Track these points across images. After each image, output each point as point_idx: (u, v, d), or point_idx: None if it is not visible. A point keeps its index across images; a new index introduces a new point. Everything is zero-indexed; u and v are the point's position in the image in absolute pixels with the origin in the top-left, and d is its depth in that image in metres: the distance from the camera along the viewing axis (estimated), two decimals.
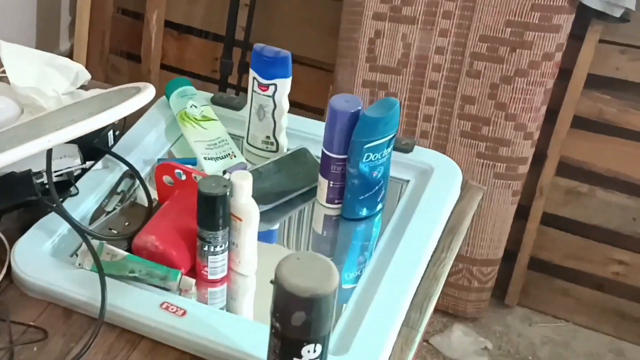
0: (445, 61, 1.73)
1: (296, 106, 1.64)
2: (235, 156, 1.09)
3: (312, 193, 1.07)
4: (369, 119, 0.96)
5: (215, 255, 0.91)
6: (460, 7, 1.68)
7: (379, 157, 0.99)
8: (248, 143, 1.13)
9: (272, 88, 1.06)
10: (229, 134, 1.14)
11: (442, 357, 1.82)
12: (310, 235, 1.08)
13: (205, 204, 0.88)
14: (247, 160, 1.12)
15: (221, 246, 0.91)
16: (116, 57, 2.26)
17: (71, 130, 0.89)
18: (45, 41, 2.22)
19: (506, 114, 1.71)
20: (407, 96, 1.76)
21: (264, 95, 1.07)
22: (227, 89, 2.03)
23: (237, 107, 1.17)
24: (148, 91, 0.97)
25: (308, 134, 1.14)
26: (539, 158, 1.82)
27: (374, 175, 1.00)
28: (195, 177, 0.96)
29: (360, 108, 0.98)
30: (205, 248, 0.91)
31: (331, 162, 1.01)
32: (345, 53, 1.76)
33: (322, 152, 1.02)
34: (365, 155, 0.98)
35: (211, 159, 1.08)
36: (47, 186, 0.95)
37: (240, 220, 0.91)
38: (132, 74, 2.23)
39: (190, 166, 0.98)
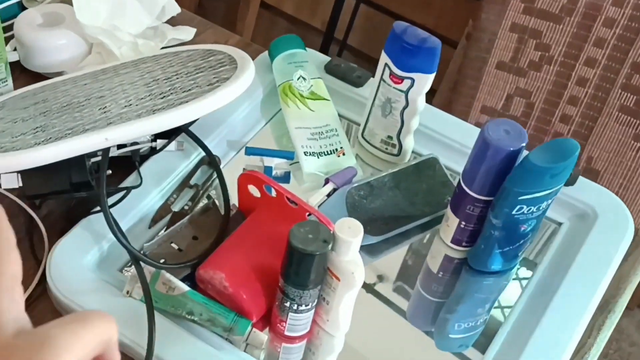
0: (622, 16, 1.39)
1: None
2: (344, 153, 0.85)
3: (434, 222, 0.83)
4: (533, 167, 0.70)
5: (298, 313, 0.70)
6: None
7: (534, 211, 0.74)
8: (363, 137, 0.88)
9: (407, 82, 0.80)
10: (341, 116, 0.90)
11: None
12: (422, 270, 0.84)
13: (295, 259, 0.65)
14: (357, 156, 0.88)
15: (307, 305, 0.69)
16: None
17: (133, 128, 0.66)
18: None
19: None
20: (563, 50, 1.45)
21: (395, 88, 0.81)
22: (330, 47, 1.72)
23: (357, 83, 0.91)
24: (247, 73, 0.72)
25: (442, 136, 0.88)
26: None
27: (522, 229, 0.75)
28: (289, 201, 0.73)
29: (523, 145, 0.72)
30: (287, 304, 0.69)
31: (468, 201, 0.76)
32: None
33: (459, 185, 0.77)
34: (518, 207, 0.73)
35: (313, 154, 0.84)
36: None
37: (338, 279, 0.68)
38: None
39: (281, 185, 0.74)
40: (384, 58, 0.80)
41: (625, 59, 1.42)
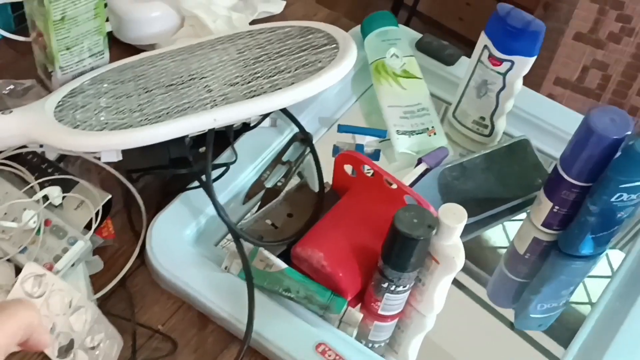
0: None
1: None
2: (435, 133, 0.85)
3: (523, 204, 0.83)
4: (638, 156, 0.69)
5: (394, 294, 0.70)
6: None
7: (635, 198, 0.73)
8: (454, 116, 0.88)
9: (507, 65, 0.79)
10: (432, 95, 0.89)
11: None
12: (508, 251, 0.84)
13: (398, 242, 0.66)
14: (447, 135, 0.87)
15: (405, 286, 0.70)
16: None
17: (243, 109, 0.67)
18: None
19: None
20: None
21: (493, 70, 0.80)
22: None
23: (448, 61, 0.91)
24: (351, 55, 0.72)
25: (534, 117, 0.88)
26: None
27: (619, 215, 0.75)
28: (387, 182, 0.73)
29: (628, 134, 0.71)
30: (385, 285, 0.70)
31: (564, 186, 0.76)
32: None
33: (555, 170, 0.76)
34: (618, 194, 0.72)
35: (405, 133, 0.84)
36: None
37: (437, 262, 0.69)
38: None
39: (379, 166, 0.74)
40: (483, 40, 0.79)
41: None
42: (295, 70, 0.71)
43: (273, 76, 0.71)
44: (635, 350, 0.72)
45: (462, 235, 0.81)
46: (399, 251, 0.67)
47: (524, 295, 0.82)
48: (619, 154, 0.71)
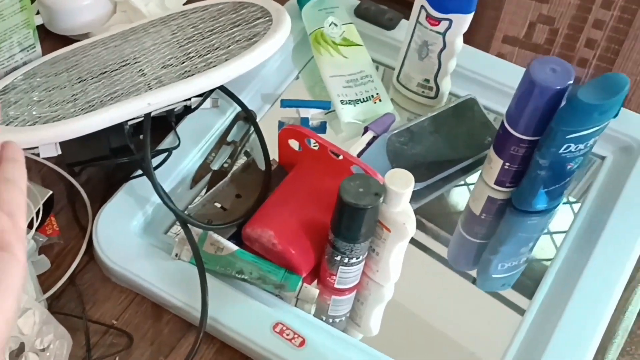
0: None
1: None
2: (380, 99, 0.84)
3: (474, 163, 0.82)
4: (581, 105, 0.68)
5: (348, 266, 0.69)
6: None
7: (582, 148, 0.72)
8: (398, 81, 0.86)
9: (445, 24, 0.78)
10: (374, 61, 0.88)
11: None
12: (464, 213, 0.83)
13: (346, 214, 0.65)
14: (392, 100, 0.86)
15: (358, 257, 0.69)
16: None
17: (176, 90, 0.65)
18: None
19: None
20: None
21: (432, 30, 0.79)
22: None
23: (389, 26, 0.89)
24: (284, 27, 0.71)
25: (479, 75, 0.87)
26: None
27: (568, 167, 0.74)
28: (333, 154, 0.72)
29: (570, 83, 0.70)
30: (337, 258, 0.69)
31: (512, 142, 0.75)
32: None
33: (502, 126, 0.75)
34: (565, 145, 0.71)
35: (350, 102, 0.83)
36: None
37: (388, 230, 0.68)
38: None
39: (323, 138, 0.73)
40: (420, 0, 0.78)
41: None
42: (229, 47, 0.69)
43: (206, 55, 0.69)
44: (598, 297, 0.72)
45: (417, 200, 0.80)
46: (347, 222, 0.65)
47: (483, 256, 0.81)
48: (563, 104, 0.70)
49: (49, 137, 0.64)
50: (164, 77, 0.67)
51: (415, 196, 0.81)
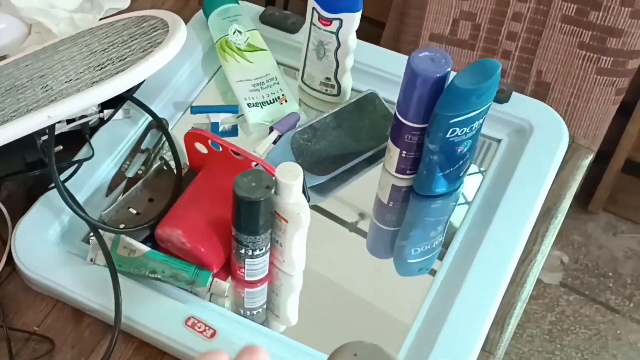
0: None
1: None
2: (286, 100, 0.88)
3: (379, 154, 0.87)
4: (458, 90, 0.73)
5: (253, 258, 0.73)
6: None
7: (467, 132, 0.77)
8: (303, 81, 0.91)
9: (336, 23, 0.82)
10: (281, 64, 0.92)
11: None
12: (374, 203, 0.88)
13: (242, 207, 0.69)
14: (301, 100, 0.91)
15: (261, 249, 0.73)
16: None
17: (73, 103, 0.69)
18: None
19: None
20: None
21: (325, 30, 0.83)
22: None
23: (292, 30, 0.94)
24: (179, 35, 0.75)
25: (379, 70, 0.91)
26: None
27: (459, 150, 0.79)
28: (234, 153, 0.76)
29: (448, 70, 0.75)
30: (242, 251, 0.73)
31: (405, 131, 0.79)
32: None
33: (395, 116, 0.80)
34: (451, 130, 0.76)
35: (257, 104, 0.87)
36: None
37: (286, 221, 0.72)
38: None
39: (226, 139, 0.77)
40: (310, 2, 0.83)
41: None
42: (126, 58, 0.73)
43: (105, 67, 0.73)
44: (497, 260, 0.77)
45: (324, 193, 0.85)
46: (245, 216, 0.70)
47: (397, 243, 0.86)
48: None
49: None
50: (65, 91, 0.70)
51: (324, 189, 0.85)
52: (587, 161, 0.90)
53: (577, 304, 1.61)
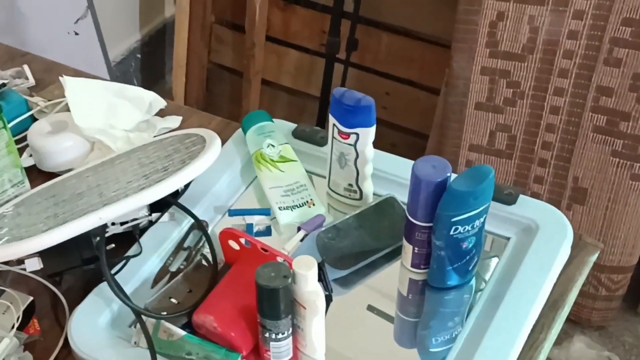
0: (579, 47, 1.52)
1: (409, 84, 1.48)
2: (314, 204, 0.99)
3: (397, 251, 0.96)
4: (456, 193, 0.82)
5: (278, 341, 0.82)
6: None
7: (469, 229, 0.86)
8: (329, 188, 1.02)
9: (353, 137, 0.93)
10: (311, 173, 1.04)
11: None
12: (397, 295, 0.96)
13: (263, 295, 0.79)
14: (329, 204, 1.01)
15: (284, 333, 0.82)
16: (220, 28, 2.17)
17: (121, 206, 0.81)
18: (150, 7, 2.17)
19: None
20: (532, 85, 1.58)
21: (345, 143, 0.95)
22: (335, 65, 1.91)
23: (321, 143, 1.06)
24: (213, 149, 0.87)
25: (397, 177, 1.01)
26: None
27: (463, 246, 0.87)
28: (262, 250, 0.87)
29: (448, 175, 0.84)
30: (267, 335, 0.82)
31: (415, 229, 0.89)
32: (463, 37, 1.59)
33: (406, 217, 0.90)
34: (453, 228, 0.85)
35: (287, 208, 0.98)
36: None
37: (304, 308, 0.81)
38: (235, 45, 2.14)
39: (256, 238, 0.88)
40: (331, 120, 0.94)
41: (589, 84, 1.54)
42: (168, 168, 0.85)
43: (150, 176, 0.85)
44: (501, 348, 0.83)
45: (351, 283, 0.94)
46: (266, 302, 0.79)
47: (418, 333, 0.93)
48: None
49: (20, 251, 0.80)
50: (114, 197, 0.83)
51: (347, 282, 0.94)
52: (593, 257, 0.97)
53: None
